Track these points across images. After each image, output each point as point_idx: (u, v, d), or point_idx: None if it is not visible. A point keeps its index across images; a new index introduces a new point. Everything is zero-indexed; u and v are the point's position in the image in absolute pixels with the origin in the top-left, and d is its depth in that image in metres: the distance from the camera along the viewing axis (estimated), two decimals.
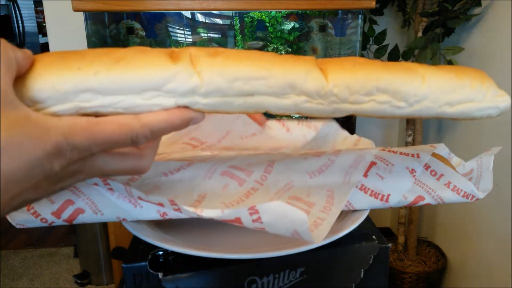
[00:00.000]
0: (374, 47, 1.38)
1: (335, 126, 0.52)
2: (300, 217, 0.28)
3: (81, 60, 0.24)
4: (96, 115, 0.25)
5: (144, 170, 0.27)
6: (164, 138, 0.44)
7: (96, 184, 0.34)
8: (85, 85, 0.24)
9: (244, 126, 0.45)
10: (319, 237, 0.31)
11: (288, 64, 0.26)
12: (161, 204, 0.33)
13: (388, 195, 0.40)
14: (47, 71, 0.24)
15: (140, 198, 0.33)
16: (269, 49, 1.37)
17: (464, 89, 0.28)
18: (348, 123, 1.33)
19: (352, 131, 1.34)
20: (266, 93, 0.26)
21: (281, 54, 0.30)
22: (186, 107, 0.26)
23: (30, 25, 3.42)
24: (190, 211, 0.30)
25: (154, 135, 0.25)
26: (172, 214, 0.39)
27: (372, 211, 0.42)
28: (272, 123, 0.49)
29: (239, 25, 1.36)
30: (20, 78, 0.23)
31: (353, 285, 0.41)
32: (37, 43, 3.49)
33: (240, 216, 0.30)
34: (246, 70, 0.26)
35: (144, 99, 0.25)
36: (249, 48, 1.37)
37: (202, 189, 0.38)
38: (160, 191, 0.37)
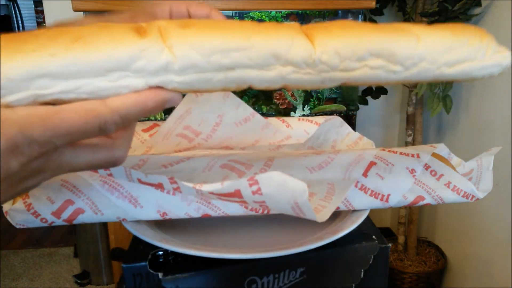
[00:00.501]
0: None
1: (339, 121, 0.52)
2: (301, 187, 0.28)
3: (35, 41, 0.21)
4: (57, 103, 0.22)
5: (119, 162, 0.24)
6: (157, 132, 0.43)
7: (95, 170, 0.33)
8: (41, 69, 0.21)
9: (235, 109, 0.43)
10: (321, 219, 0.31)
11: (270, 32, 0.24)
12: (160, 185, 0.33)
13: (388, 195, 0.40)
14: None
15: (139, 180, 0.33)
16: None
17: (463, 47, 0.26)
18: (348, 123, 1.33)
19: None
20: (248, 66, 0.24)
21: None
22: (159, 87, 0.23)
23: (30, 25, 3.43)
24: (190, 186, 0.30)
25: (125, 120, 0.22)
26: (172, 214, 0.39)
27: (372, 211, 0.42)
28: (272, 119, 0.49)
29: None
30: None
31: (353, 285, 0.41)
32: None
33: (240, 188, 0.29)
34: (223, 41, 0.23)
35: (110, 81, 0.22)
36: None
37: (201, 179, 0.37)
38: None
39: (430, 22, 1.26)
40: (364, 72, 0.25)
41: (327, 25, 0.25)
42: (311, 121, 0.50)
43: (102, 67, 0.22)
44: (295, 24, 0.25)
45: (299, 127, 0.49)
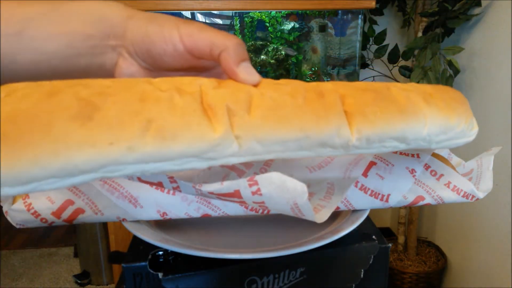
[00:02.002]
0: (374, 47, 1.38)
1: None
2: (300, 188, 0.28)
3: (108, 127, 0.20)
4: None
5: None
6: None
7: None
8: (117, 162, 0.21)
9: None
10: (320, 219, 0.31)
11: (321, 120, 0.27)
12: (160, 183, 0.33)
13: (388, 195, 0.40)
14: (62, 149, 0.19)
15: (139, 178, 0.33)
16: (269, 49, 1.37)
17: (452, 131, 0.31)
18: None
19: None
20: (297, 150, 0.27)
21: (310, 82, 0.29)
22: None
23: None
24: (189, 185, 0.30)
25: None
26: (172, 214, 0.39)
27: (372, 211, 0.42)
28: None
29: (239, 25, 1.36)
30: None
31: (353, 285, 0.41)
32: None
33: (239, 188, 0.29)
34: (284, 135, 0.26)
35: (177, 165, 0.23)
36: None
37: (201, 178, 0.37)
38: None
39: (430, 22, 1.26)
40: (378, 149, 0.30)
41: (362, 101, 0.28)
42: None
43: (177, 157, 0.23)
44: (338, 106, 0.28)
45: None
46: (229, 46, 0.27)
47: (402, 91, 0.31)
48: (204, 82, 0.26)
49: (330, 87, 0.29)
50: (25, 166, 0.19)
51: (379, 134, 0.28)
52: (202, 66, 0.31)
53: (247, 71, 0.28)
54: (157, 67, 0.30)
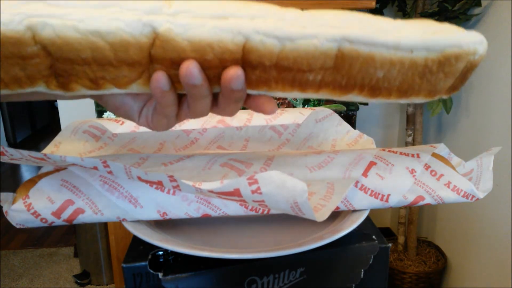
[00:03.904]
0: None
1: (337, 119, 0.52)
2: (300, 187, 0.28)
3: None
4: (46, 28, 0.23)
5: None
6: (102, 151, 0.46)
7: (95, 168, 0.33)
8: None
9: (175, 139, 0.47)
10: (320, 218, 0.31)
11: None
12: (160, 183, 0.33)
13: (388, 195, 0.40)
14: None
15: (139, 178, 0.33)
16: None
17: None
18: (348, 123, 1.33)
19: None
20: (240, 16, 0.24)
21: None
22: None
23: None
24: (189, 185, 0.30)
25: None
26: (172, 214, 0.39)
27: (372, 211, 0.42)
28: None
29: None
30: None
31: (353, 285, 0.41)
32: None
33: (239, 187, 0.29)
34: None
35: (106, 13, 0.23)
36: None
37: (201, 178, 0.37)
38: None
39: None
40: None
41: None
42: (294, 111, 0.51)
43: None
44: None
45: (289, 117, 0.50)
46: None
47: None
48: None
49: None
50: None
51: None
52: None
53: None
54: None
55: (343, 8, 1.23)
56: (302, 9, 0.26)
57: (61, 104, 1.43)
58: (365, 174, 0.39)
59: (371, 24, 0.25)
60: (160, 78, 0.25)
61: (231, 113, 0.29)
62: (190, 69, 0.24)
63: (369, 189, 0.40)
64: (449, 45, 0.25)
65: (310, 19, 0.25)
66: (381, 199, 0.40)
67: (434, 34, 0.25)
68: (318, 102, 1.36)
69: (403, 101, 0.28)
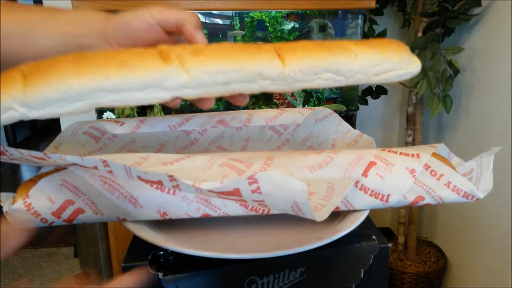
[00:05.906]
0: None
1: (337, 119, 0.52)
2: (300, 187, 0.28)
3: (92, 64, 0.30)
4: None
5: None
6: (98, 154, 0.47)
7: (95, 167, 0.33)
8: (99, 87, 0.29)
9: (176, 139, 0.49)
10: (320, 217, 0.31)
11: (255, 56, 0.32)
12: (160, 182, 0.33)
13: (388, 195, 0.40)
14: (63, 76, 0.29)
15: (139, 177, 0.33)
16: None
17: (386, 63, 0.35)
18: (348, 123, 1.33)
19: None
20: (239, 81, 0.32)
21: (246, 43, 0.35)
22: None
23: None
24: (189, 184, 0.30)
25: None
26: (172, 214, 0.39)
27: (372, 211, 0.42)
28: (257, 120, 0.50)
29: (239, 25, 1.36)
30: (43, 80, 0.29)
31: (353, 285, 0.41)
32: None
33: (239, 186, 0.29)
34: (223, 66, 0.32)
35: (145, 93, 0.31)
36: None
37: (201, 178, 0.38)
38: None
39: (430, 22, 1.26)
40: (318, 82, 0.34)
41: (293, 46, 0.34)
42: (293, 112, 0.51)
43: (142, 85, 0.31)
44: (270, 47, 0.34)
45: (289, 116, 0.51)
46: (190, 17, 0.36)
47: (336, 42, 0.35)
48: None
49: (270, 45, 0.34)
50: (41, 89, 0.29)
51: (311, 65, 0.33)
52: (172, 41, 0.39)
53: (202, 36, 0.37)
54: (134, 45, 0.37)
55: (343, 8, 1.23)
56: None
57: None
58: (365, 174, 0.39)
59: None
60: None
61: None
62: None
63: (369, 189, 0.40)
64: None
65: None
66: (381, 199, 0.40)
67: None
68: (318, 103, 1.36)
69: None
